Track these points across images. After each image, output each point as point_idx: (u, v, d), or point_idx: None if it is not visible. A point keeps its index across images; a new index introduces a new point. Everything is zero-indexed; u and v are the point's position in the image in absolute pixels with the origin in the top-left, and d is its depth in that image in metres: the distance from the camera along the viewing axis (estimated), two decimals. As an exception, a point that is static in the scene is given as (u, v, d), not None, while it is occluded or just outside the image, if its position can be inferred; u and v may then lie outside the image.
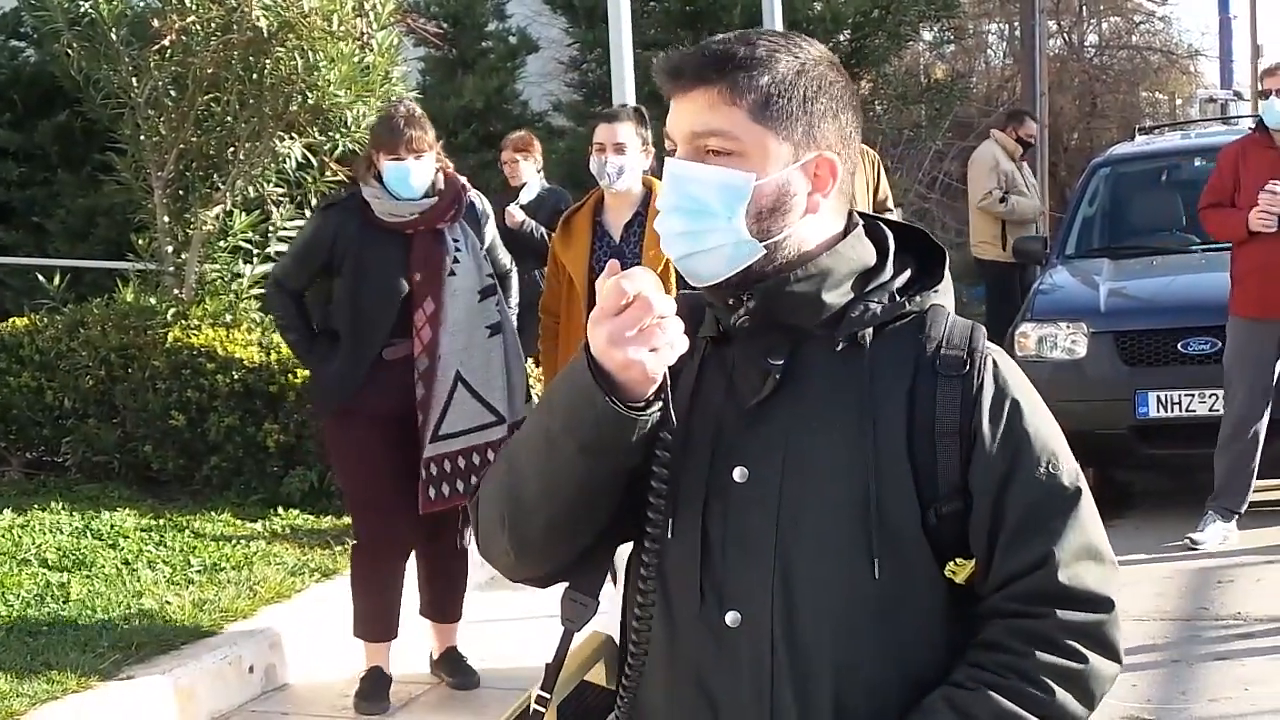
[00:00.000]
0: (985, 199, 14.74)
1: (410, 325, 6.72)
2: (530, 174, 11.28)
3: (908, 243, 2.56)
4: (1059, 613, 2.38)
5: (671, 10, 17.29)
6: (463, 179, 7.02)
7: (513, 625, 7.85)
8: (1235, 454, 9.24)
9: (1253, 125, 9.84)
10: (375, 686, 6.94)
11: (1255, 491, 9.88)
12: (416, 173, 6.71)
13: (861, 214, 2.54)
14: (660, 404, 2.34)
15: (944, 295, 2.52)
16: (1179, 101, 31.51)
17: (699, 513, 2.43)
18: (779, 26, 11.33)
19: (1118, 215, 12.49)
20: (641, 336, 2.26)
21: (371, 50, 9.85)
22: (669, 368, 2.33)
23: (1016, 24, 21.19)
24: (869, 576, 2.38)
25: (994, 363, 2.45)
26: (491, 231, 7.08)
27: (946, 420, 2.41)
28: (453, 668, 7.16)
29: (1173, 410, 9.88)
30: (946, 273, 2.54)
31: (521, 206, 10.92)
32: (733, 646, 2.42)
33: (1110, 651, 2.42)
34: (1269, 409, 9.20)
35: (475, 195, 7.05)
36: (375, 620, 6.95)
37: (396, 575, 6.98)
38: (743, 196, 2.38)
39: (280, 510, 9.02)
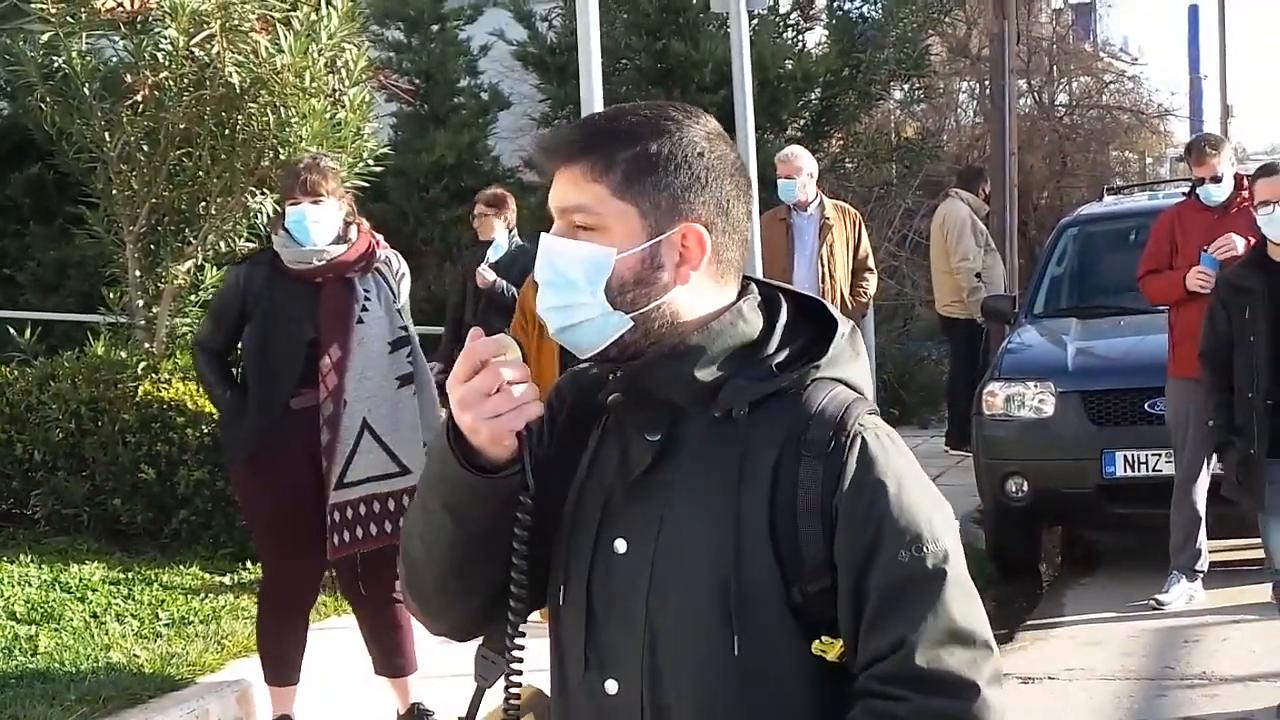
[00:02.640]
0: (964, 262, 14.68)
1: (317, 375, 6.74)
2: (500, 231, 11.29)
3: (807, 313, 2.55)
4: (916, 697, 2.35)
5: (643, 68, 17.37)
6: (378, 236, 7.05)
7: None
8: (1185, 513, 9.30)
9: (1185, 192, 9.96)
10: None
11: (1223, 551, 9.92)
12: (314, 218, 6.72)
13: (759, 281, 2.55)
14: (519, 468, 2.41)
15: (841, 367, 2.49)
16: (1149, 160, 31.68)
17: (585, 581, 2.49)
18: (749, 85, 11.37)
19: (1086, 275, 12.52)
20: (489, 402, 2.35)
21: (343, 106, 9.89)
22: (556, 434, 2.50)
23: (987, 83, 21.25)
24: (729, 650, 2.40)
25: (863, 441, 2.42)
26: (405, 291, 7.08)
27: (807, 499, 2.40)
28: (419, 724, 7.14)
29: (1140, 470, 9.93)
30: (845, 345, 2.51)
31: (492, 265, 10.95)
32: (612, 713, 2.48)
33: None
34: (1212, 467, 9.25)
35: (393, 254, 7.08)
36: (282, 666, 6.96)
37: (301, 622, 6.99)
38: (603, 270, 2.42)
39: (249, 564, 8.99)
